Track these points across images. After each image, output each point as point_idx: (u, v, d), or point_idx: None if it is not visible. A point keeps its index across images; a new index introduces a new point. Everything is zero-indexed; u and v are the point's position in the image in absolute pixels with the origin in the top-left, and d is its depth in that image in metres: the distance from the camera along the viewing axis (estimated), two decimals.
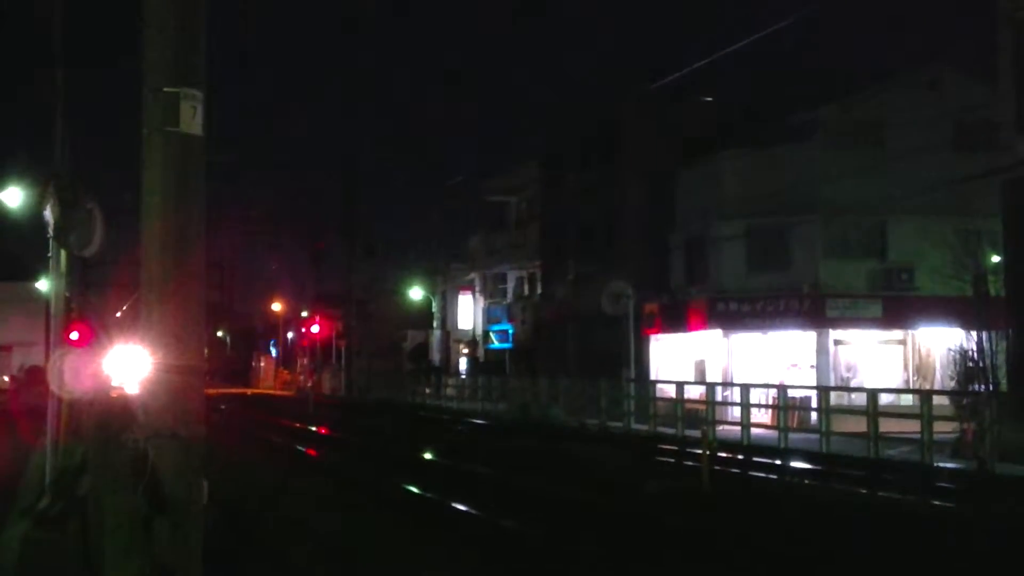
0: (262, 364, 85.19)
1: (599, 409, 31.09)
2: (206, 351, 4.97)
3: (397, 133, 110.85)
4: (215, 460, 4.98)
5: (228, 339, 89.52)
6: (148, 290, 4.60)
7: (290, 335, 78.41)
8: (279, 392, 68.74)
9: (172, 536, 4.37)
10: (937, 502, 15.16)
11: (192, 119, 4.64)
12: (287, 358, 79.08)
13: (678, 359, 34.35)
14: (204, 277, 4.71)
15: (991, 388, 22.25)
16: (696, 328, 32.95)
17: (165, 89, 4.60)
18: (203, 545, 4.48)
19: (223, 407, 39.16)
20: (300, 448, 24.49)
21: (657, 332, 34.95)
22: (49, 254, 9.76)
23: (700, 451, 17.20)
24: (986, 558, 10.95)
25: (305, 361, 69.27)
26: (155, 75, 4.64)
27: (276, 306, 75.47)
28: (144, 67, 4.69)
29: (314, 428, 31.75)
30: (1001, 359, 22.98)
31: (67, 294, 10.81)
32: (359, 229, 60.72)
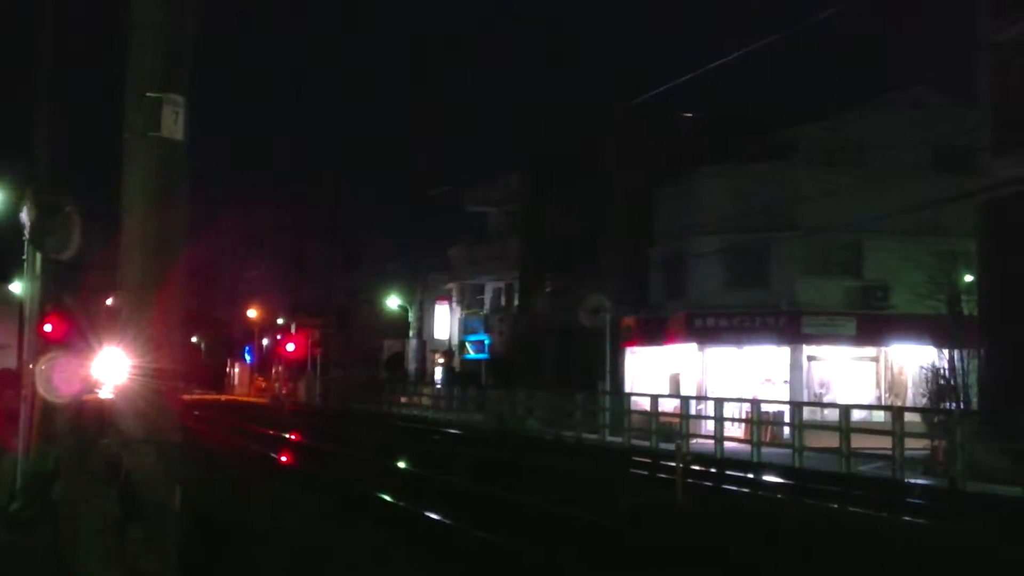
0: (236, 371, 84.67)
1: (575, 421, 31.12)
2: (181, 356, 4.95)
3: (377, 143, 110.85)
4: (188, 466, 4.97)
5: (203, 345, 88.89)
6: (127, 296, 4.60)
7: (265, 342, 78.01)
8: (253, 399, 68.34)
9: (147, 542, 4.36)
10: (908, 518, 15.28)
11: (174, 124, 4.64)
12: (262, 365, 78.66)
13: (654, 372, 34.45)
14: (184, 284, 4.70)
15: (962, 406, 22.45)
16: (672, 341, 33.07)
17: (148, 94, 4.60)
18: (177, 551, 4.47)
19: (197, 413, 38.90)
20: (274, 455, 24.36)
21: (634, 345, 35.05)
22: (24, 256, 9.69)
23: (674, 464, 17.25)
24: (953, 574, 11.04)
25: (280, 368, 68.91)
26: (139, 80, 4.65)
27: (252, 313, 75.03)
28: (128, 71, 4.69)
29: (288, 436, 31.59)
30: (973, 378, 23.19)
31: (42, 298, 10.72)
32: (339, 238, 60.61)
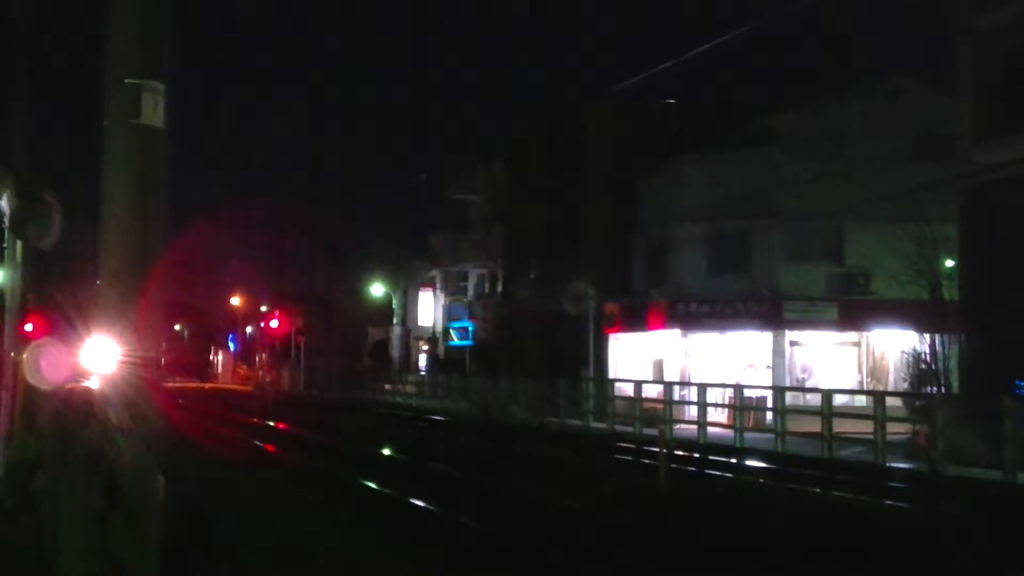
0: (220, 359, 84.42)
1: (558, 408, 31.19)
2: (164, 345, 4.94)
3: (361, 130, 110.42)
4: (171, 456, 4.95)
5: (186, 333, 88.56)
6: (107, 285, 4.56)
7: (249, 330, 77.77)
8: (237, 387, 68.17)
9: (129, 533, 4.34)
10: (889, 502, 15.41)
11: (154, 112, 4.60)
12: (246, 353, 78.44)
13: (637, 358, 34.56)
14: (166, 272, 4.68)
15: (943, 391, 22.60)
16: (655, 327, 33.17)
17: (127, 81, 4.56)
18: (159, 542, 4.45)
19: (180, 401, 38.78)
20: (259, 444, 24.32)
21: (617, 331, 35.13)
22: (4, 244, 9.61)
23: (657, 450, 17.32)
24: (933, 557, 11.15)
25: (264, 356, 68.74)
26: (118, 66, 4.60)
27: (235, 300, 74.75)
28: (106, 58, 4.65)
29: (273, 424, 31.54)
30: (954, 362, 23.36)
31: (24, 286, 10.65)
32: (322, 227, 60.39)
